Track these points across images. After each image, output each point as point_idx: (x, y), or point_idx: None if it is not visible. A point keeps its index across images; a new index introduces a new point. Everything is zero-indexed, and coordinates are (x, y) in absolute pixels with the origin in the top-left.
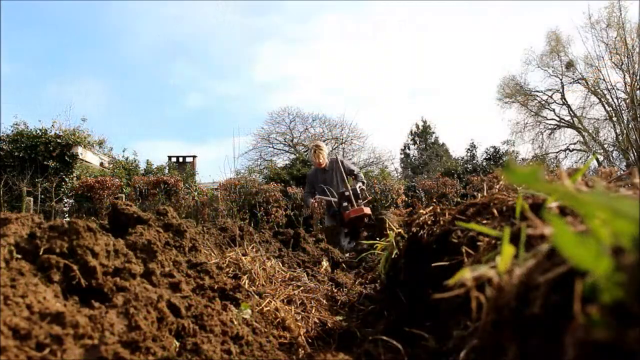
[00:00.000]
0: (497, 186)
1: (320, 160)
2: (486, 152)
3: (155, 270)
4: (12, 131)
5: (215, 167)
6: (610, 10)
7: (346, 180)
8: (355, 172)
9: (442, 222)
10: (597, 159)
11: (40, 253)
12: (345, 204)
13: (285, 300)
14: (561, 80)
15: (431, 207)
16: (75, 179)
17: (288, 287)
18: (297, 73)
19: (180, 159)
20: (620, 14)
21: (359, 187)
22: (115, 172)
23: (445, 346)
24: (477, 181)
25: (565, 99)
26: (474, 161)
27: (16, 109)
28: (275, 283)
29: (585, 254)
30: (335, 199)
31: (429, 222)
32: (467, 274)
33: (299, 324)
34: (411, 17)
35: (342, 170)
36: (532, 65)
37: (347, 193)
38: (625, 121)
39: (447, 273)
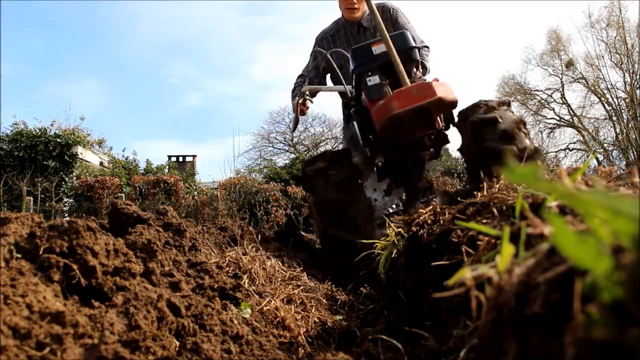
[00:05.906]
0: (497, 185)
1: (355, 1)
2: None
3: (155, 270)
4: (12, 131)
5: (215, 167)
6: (610, 10)
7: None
8: (417, 46)
9: (442, 222)
10: (597, 158)
11: (40, 252)
12: (375, 79)
13: (285, 300)
14: (561, 79)
15: (431, 206)
16: (75, 178)
17: (288, 287)
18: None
19: (180, 159)
20: (620, 13)
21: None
22: (115, 171)
23: (445, 345)
24: None
25: (565, 98)
26: None
27: (16, 108)
28: (275, 282)
29: (585, 253)
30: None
31: (429, 222)
32: (466, 274)
33: (299, 323)
34: (410, 16)
35: (397, 27)
36: (532, 64)
37: (377, 51)
38: (625, 120)
39: (447, 272)
